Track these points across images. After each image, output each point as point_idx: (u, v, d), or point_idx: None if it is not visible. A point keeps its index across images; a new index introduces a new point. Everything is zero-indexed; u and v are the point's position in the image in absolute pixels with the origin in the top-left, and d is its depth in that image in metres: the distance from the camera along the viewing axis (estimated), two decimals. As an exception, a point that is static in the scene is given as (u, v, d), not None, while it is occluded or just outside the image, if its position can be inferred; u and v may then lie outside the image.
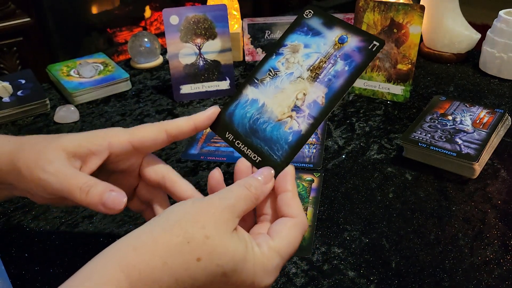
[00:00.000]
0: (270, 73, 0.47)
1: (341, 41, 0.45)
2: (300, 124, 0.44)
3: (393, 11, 0.84)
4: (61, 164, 0.42)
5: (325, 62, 0.45)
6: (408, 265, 0.54)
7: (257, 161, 0.44)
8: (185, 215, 0.37)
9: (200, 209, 0.37)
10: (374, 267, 0.54)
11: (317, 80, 0.45)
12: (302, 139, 0.44)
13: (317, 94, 0.44)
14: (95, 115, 0.88)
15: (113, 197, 0.41)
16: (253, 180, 0.41)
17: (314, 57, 0.46)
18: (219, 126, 0.47)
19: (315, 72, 0.45)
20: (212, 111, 0.46)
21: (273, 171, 0.43)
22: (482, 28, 1.06)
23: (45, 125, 0.86)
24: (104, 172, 0.47)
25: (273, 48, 0.48)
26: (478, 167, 0.66)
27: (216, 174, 0.43)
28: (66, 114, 0.86)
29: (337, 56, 0.45)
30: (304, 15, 0.48)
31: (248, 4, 2.54)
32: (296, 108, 0.45)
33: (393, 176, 0.68)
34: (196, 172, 0.71)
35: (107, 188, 0.42)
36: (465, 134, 0.70)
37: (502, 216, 0.60)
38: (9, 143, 0.45)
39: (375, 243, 0.57)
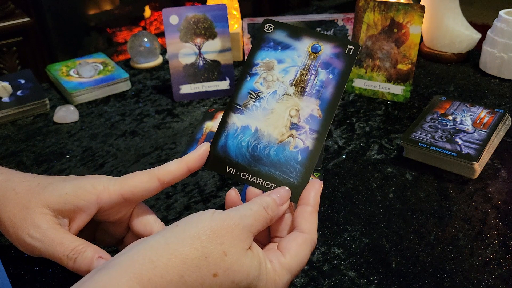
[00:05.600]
0: (252, 96, 0.45)
1: (315, 50, 0.45)
2: (304, 140, 0.43)
3: (393, 11, 0.84)
4: (48, 227, 0.42)
5: (306, 74, 0.44)
6: (408, 266, 0.54)
7: (272, 188, 0.43)
8: (204, 229, 0.37)
9: (219, 224, 0.37)
10: (374, 267, 0.54)
11: (305, 94, 0.44)
12: (312, 155, 0.43)
13: (311, 107, 0.44)
14: (95, 115, 0.88)
15: None
16: (270, 201, 0.41)
17: (293, 71, 0.45)
18: (214, 162, 0.45)
19: (299, 86, 0.44)
20: (203, 149, 0.45)
21: (289, 192, 0.43)
22: (483, 28, 1.05)
23: (44, 125, 0.85)
24: (93, 222, 0.46)
25: (245, 70, 0.46)
26: (479, 167, 0.66)
27: (232, 194, 0.43)
28: (66, 114, 0.86)
29: (317, 66, 0.44)
30: (265, 29, 0.47)
31: (248, 4, 2.54)
32: (294, 126, 0.44)
33: (393, 176, 0.68)
34: (195, 172, 0.71)
35: (95, 254, 0.41)
36: (465, 134, 0.70)
37: (503, 216, 0.60)
38: None
39: (375, 243, 0.57)
